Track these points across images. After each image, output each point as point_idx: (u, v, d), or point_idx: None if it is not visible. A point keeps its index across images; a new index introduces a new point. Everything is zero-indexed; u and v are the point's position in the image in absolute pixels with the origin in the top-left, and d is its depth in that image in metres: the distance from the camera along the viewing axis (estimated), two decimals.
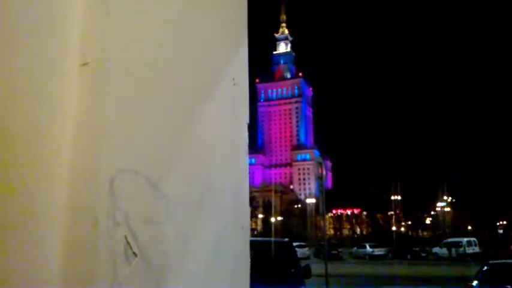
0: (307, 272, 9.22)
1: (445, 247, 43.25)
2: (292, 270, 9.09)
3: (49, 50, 1.03)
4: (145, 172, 1.07)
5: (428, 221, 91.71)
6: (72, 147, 1.03)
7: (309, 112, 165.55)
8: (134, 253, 1.01)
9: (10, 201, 0.93)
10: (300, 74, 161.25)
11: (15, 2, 1.01)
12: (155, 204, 1.09)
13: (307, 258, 38.84)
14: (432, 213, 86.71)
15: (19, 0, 1.01)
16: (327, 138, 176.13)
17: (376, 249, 45.84)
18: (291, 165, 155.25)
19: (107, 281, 0.95)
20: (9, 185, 0.93)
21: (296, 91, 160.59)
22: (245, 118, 1.51)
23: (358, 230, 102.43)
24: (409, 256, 43.13)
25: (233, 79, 1.44)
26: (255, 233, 76.82)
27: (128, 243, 1.00)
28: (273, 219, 72.07)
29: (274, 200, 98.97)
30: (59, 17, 1.06)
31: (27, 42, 1.00)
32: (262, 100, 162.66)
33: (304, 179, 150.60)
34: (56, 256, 0.96)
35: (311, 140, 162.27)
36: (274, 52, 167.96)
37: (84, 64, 1.05)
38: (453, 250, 41.48)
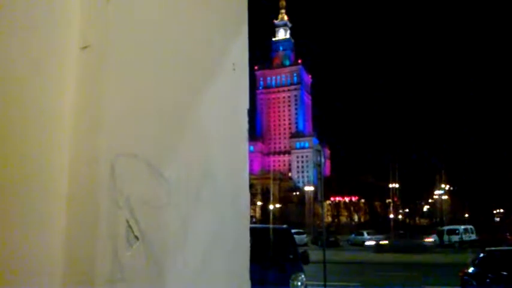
0: (305, 258, 9.31)
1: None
2: (291, 256, 9.18)
3: (49, 32, 1.02)
4: (145, 156, 1.07)
5: (425, 208, 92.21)
6: (72, 130, 1.02)
7: (308, 99, 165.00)
8: (136, 236, 1.01)
9: (10, 186, 0.93)
10: (299, 61, 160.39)
11: None
12: (156, 189, 1.09)
13: (305, 245, 39.18)
14: (430, 201, 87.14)
15: None
16: (326, 126, 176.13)
17: (373, 237, 46.15)
18: (289, 152, 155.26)
19: (108, 263, 0.95)
20: (8, 170, 0.93)
21: (295, 78, 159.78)
22: (245, 104, 1.50)
23: (356, 218, 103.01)
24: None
25: (233, 64, 1.42)
26: (254, 220, 77.18)
27: (130, 226, 1.00)
28: (271, 207, 72.34)
29: (273, 188, 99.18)
30: None
31: (27, 23, 0.99)
32: (261, 87, 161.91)
33: (302, 166, 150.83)
34: (58, 239, 0.96)
35: (310, 127, 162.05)
36: (273, 39, 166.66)
37: (85, 47, 1.04)
38: (451, 237, 41.78)
